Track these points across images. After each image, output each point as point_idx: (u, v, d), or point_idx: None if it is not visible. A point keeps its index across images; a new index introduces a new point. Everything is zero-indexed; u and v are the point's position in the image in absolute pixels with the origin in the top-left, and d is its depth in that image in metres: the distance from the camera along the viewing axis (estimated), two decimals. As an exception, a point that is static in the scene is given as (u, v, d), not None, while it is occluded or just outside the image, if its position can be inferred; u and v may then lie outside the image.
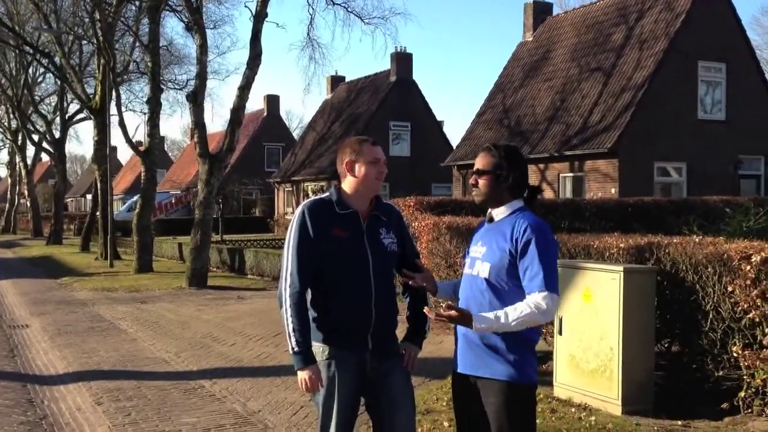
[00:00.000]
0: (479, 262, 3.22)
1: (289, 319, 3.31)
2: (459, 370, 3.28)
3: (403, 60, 38.11)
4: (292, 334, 3.30)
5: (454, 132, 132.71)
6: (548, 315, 3.06)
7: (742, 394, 5.57)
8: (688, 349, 6.22)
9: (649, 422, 5.53)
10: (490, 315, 3.07)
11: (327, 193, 3.49)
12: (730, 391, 5.75)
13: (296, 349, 3.29)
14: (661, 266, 6.20)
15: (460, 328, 3.25)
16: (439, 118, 41.61)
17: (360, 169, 3.41)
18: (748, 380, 5.51)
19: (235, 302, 13.57)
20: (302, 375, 3.30)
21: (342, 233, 3.36)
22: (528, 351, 3.16)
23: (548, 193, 23.72)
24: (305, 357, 3.29)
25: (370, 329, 3.36)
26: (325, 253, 3.34)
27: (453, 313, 3.06)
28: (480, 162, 3.29)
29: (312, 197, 3.53)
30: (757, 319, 5.37)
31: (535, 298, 3.03)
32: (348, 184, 3.45)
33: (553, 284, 3.06)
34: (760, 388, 5.43)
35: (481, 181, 3.27)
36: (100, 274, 20.36)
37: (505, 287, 3.14)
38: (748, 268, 5.42)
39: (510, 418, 3.10)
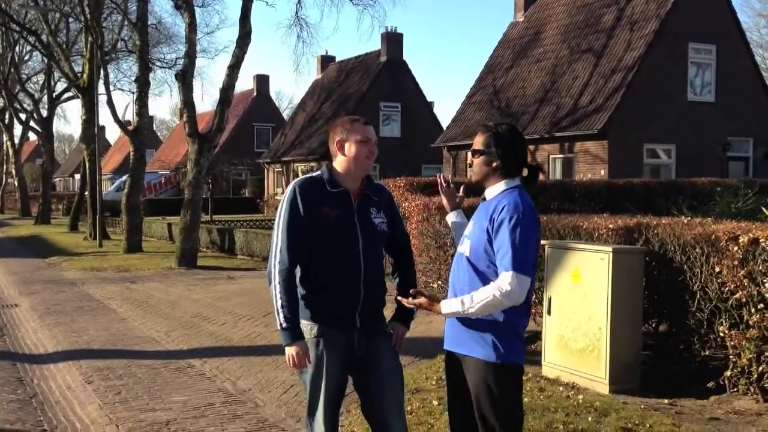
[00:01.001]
0: (466, 239, 3.27)
1: (277, 295, 3.32)
2: (444, 347, 3.35)
3: (393, 40, 37.91)
4: (280, 310, 3.30)
5: (445, 113, 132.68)
6: (513, 297, 3.01)
7: (728, 373, 5.63)
8: (675, 329, 6.27)
9: (635, 401, 5.59)
10: (457, 300, 3.12)
11: (318, 172, 3.48)
12: (717, 370, 5.81)
13: (284, 325, 3.30)
14: (649, 247, 6.24)
15: None
16: (429, 99, 41.51)
17: (350, 148, 3.40)
18: (734, 360, 5.57)
19: (225, 282, 13.57)
20: (290, 351, 3.30)
21: (332, 212, 3.36)
22: (511, 334, 3.16)
23: (538, 175, 23.74)
24: (293, 333, 3.30)
25: (358, 308, 3.37)
26: (314, 231, 3.34)
27: (421, 300, 3.22)
28: (475, 141, 3.32)
29: (303, 176, 3.53)
30: (744, 299, 5.42)
31: (500, 281, 3.03)
32: (339, 163, 3.44)
33: (522, 264, 3.02)
34: (745, 367, 5.49)
35: (475, 161, 3.30)
36: (89, 253, 20.29)
37: (484, 266, 3.15)
38: (736, 248, 5.47)
39: (489, 397, 3.13)
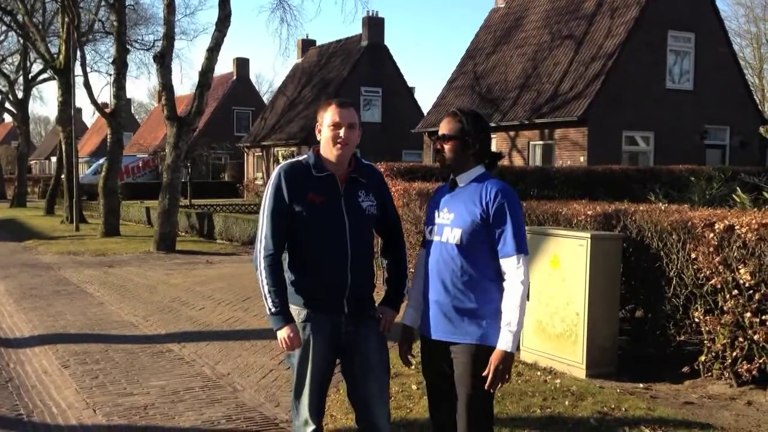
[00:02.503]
0: (448, 228, 3.22)
1: (264, 281, 3.30)
2: (431, 336, 3.28)
3: (374, 25, 37.73)
4: (268, 295, 3.28)
5: (425, 98, 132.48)
6: (527, 279, 3.13)
7: (703, 358, 5.71)
8: (651, 315, 6.34)
9: (612, 385, 5.66)
10: (504, 331, 3.09)
11: (305, 156, 3.42)
12: (691, 355, 5.90)
13: (273, 309, 3.27)
14: (627, 233, 6.29)
15: (432, 295, 3.26)
16: (410, 84, 41.41)
17: (322, 133, 3.37)
18: (708, 345, 5.65)
19: (204, 267, 13.51)
20: (282, 334, 3.28)
21: (318, 197, 3.31)
22: (497, 315, 3.19)
23: (518, 161, 23.85)
24: (283, 317, 3.28)
25: (345, 294, 3.34)
26: (301, 217, 3.30)
27: (495, 371, 3.08)
28: (445, 127, 3.28)
29: (289, 160, 3.47)
30: (719, 285, 5.49)
31: (513, 270, 3.10)
32: (321, 147, 3.40)
33: (524, 246, 3.16)
34: (720, 352, 5.58)
35: (447, 146, 3.26)
36: (65, 237, 20.08)
37: (477, 251, 3.17)
38: (711, 235, 5.53)
39: (481, 379, 3.13)
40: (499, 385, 3.11)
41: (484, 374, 3.10)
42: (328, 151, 3.35)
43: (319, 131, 3.39)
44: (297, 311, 3.36)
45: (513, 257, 3.12)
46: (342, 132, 3.31)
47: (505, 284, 3.15)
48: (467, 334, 3.17)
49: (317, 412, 3.39)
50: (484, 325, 3.16)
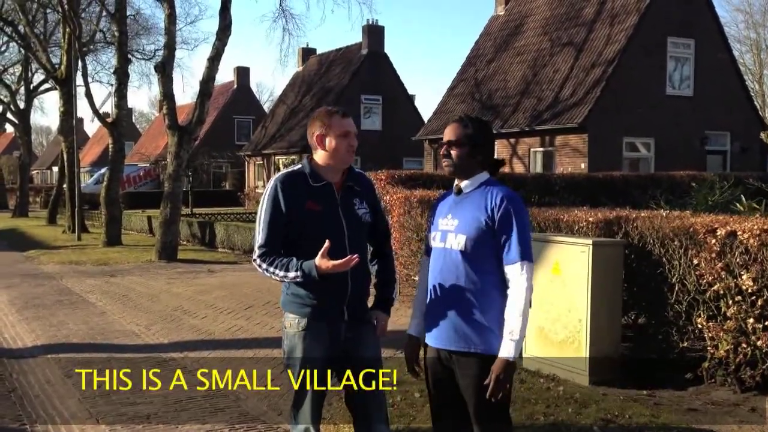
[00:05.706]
0: (452, 234, 3.19)
1: (272, 270, 3.28)
2: (434, 345, 3.25)
3: (374, 33, 37.82)
4: (286, 273, 3.25)
5: (426, 106, 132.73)
6: (530, 286, 3.09)
7: (706, 364, 5.70)
8: (653, 321, 6.33)
9: (615, 392, 5.65)
10: (506, 340, 3.05)
11: (299, 165, 3.45)
12: (695, 361, 5.88)
13: (299, 274, 3.22)
14: (629, 239, 6.29)
15: (435, 303, 3.22)
16: (410, 92, 41.51)
17: (330, 143, 3.37)
18: (711, 351, 5.64)
19: (206, 275, 13.51)
20: (325, 265, 3.15)
21: (317, 206, 3.33)
22: (502, 325, 3.15)
23: (519, 168, 23.87)
24: (305, 264, 3.19)
25: (346, 301, 3.36)
26: (299, 226, 3.32)
27: (496, 380, 3.03)
28: (453, 133, 3.25)
29: (284, 170, 3.48)
30: (721, 291, 5.49)
31: (518, 276, 3.07)
32: (320, 156, 3.41)
33: (529, 253, 3.12)
34: (723, 358, 5.57)
35: (455, 152, 3.24)
36: (67, 247, 20.09)
37: (481, 258, 3.14)
38: (713, 241, 5.54)
39: (485, 387, 3.09)
40: (500, 395, 3.06)
41: (485, 383, 3.06)
42: (338, 159, 3.38)
43: (317, 140, 3.39)
44: (296, 320, 3.37)
45: (517, 264, 3.08)
46: (352, 140, 3.38)
47: (508, 291, 3.12)
48: (472, 344, 3.14)
49: (317, 419, 3.41)
50: (488, 334, 3.13)
